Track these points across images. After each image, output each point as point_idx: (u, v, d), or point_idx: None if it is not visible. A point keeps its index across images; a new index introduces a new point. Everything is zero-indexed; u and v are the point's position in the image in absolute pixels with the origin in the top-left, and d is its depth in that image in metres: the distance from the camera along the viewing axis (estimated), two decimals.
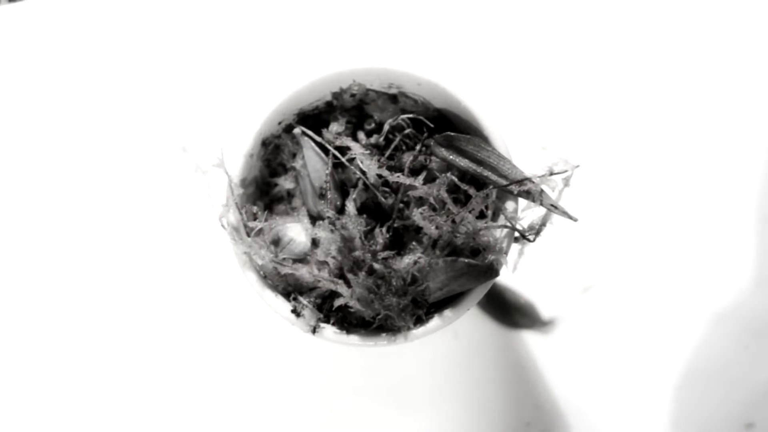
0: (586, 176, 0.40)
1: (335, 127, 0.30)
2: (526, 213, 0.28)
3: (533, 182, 0.27)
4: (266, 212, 0.30)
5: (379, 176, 0.28)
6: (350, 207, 0.28)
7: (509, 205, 0.28)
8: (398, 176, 0.28)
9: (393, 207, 0.29)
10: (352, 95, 0.31)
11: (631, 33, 0.43)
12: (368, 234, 0.28)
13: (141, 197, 0.41)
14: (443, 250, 0.27)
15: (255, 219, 0.29)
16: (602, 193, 0.41)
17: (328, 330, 0.28)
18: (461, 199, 0.29)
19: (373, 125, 0.31)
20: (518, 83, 0.42)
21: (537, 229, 0.27)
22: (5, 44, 0.43)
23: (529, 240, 0.27)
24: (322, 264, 0.28)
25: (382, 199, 0.29)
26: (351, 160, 0.29)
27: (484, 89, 0.42)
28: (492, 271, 0.27)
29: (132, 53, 0.43)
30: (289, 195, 0.31)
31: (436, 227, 0.27)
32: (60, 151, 0.42)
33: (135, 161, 0.42)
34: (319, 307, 0.28)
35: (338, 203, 0.29)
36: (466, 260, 0.26)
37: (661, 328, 0.39)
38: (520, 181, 0.27)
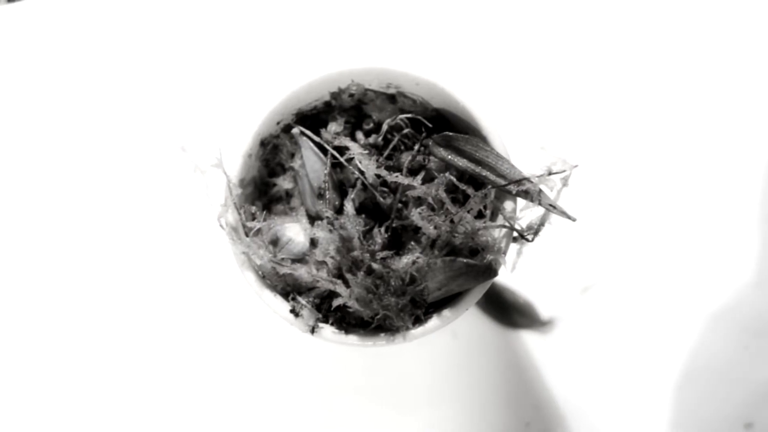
0: (585, 176, 0.40)
1: (334, 127, 0.30)
2: (525, 213, 0.28)
3: (532, 182, 0.27)
4: (265, 212, 0.30)
5: (378, 176, 0.28)
6: (349, 207, 0.28)
7: (508, 204, 0.28)
8: (397, 176, 0.28)
9: (391, 207, 0.29)
10: (351, 95, 0.31)
11: (631, 33, 0.43)
12: (367, 234, 0.28)
13: (140, 197, 0.41)
14: (442, 250, 0.27)
15: (253, 219, 0.29)
16: (601, 193, 0.41)
17: (327, 330, 0.28)
18: (460, 198, 0.29)
19: (371, 125, 0.31)
20: (517, 83, 0.42)
21: (535, 229, 0.27)
22: (5, 44, 0.43)
23: (527, 240, 0.27)
24: (321, 264, 0.28)
25: (381, 199, 0.29)
26: (349, 160, 0.29)
27: (483, 89, 0.42)
28: (490, 271, 0.27)
29: (132, 53, 0.43)
30: (288, 195, 0.31)
31: (435, 227, 0.27)
32: (60, 151, 0.42)
33: (134, 161, 0.42)
34: (317, 307, 0.28)
35: (337, 203, 0.29)
36: (465, 260, 0.26)
37: (660, 328, 0.39)
38: (519, 181, 0.27)
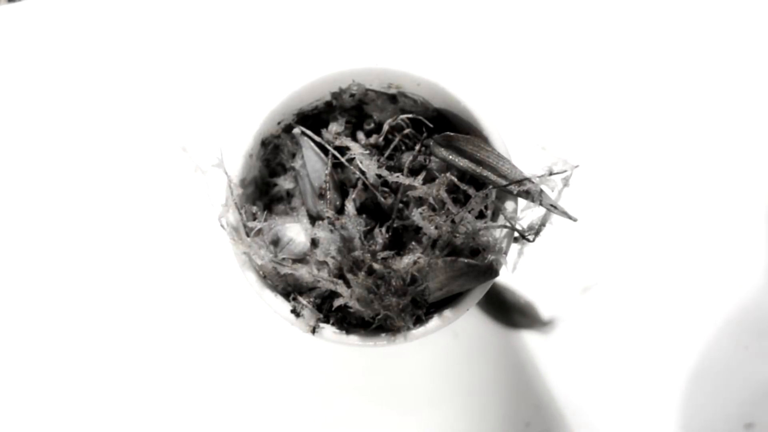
0: (586, 176, 0.40)
1: (334, 127, 0.30)
2: (526, 213, 0.28)
3: (533, 182, 0.27)
4: (266, 212, 0.30)
5: (379, 176, 0.28)
6: (350, 207, 0.28)
7: (509, 205, 0.28)
8: (398, 176, 0.28)
9: (392, 207, 0.29)
10: (352, 95, 0.31)
11: (631, 33, 0.43)
12: (368, 234, 0.28)
13: (141, 197, 0.41)
14: (443, 250, 0.27)
15: (254, 219, 0.29)
16: (602, 193, 0.41)
17: (328, 330, 0.28)
18: (461, 199, 0.29)
19: (372, 125, 0.31)
20: (518, 83, 0.42)
21: (536, 229, 0.27)
22: (5, 44, 0.43)
23: (528, 240, 0.27)
24: (322, 264, 0.28)
25: (382, 199, 0.29)
26: (350, 160, 0.29)
27: (484, 89, 0.42)
28: (491, 271, 0.27)
29: (132, 53, 0.43)
30: (289, 195, 0.31)
31: (436, 227, 0.27)
32: (60, 151, 0.42)
33: (135, 161, 0.42)
34: (318, 307, 0.28)
35: (338, 203, 0.29)
36: (466, 260, 0.26)
37: (660, 328, 0.39)
38: (520, 181, 0.27)
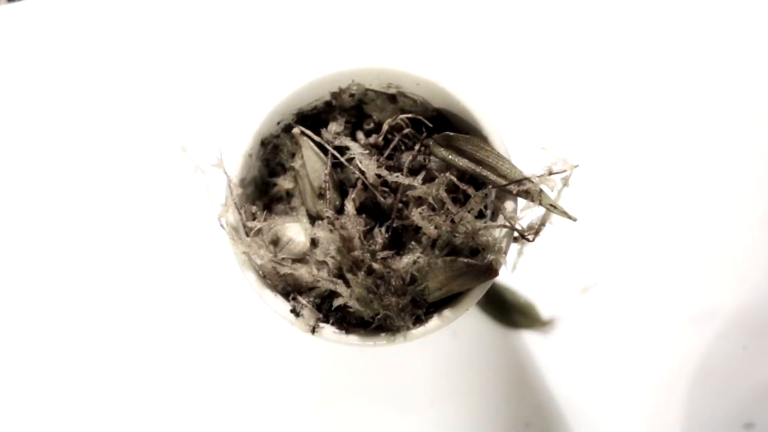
0: (586, 176, 0.40)
1: (334, 126, 0.30)
2: (526, 213, 0.28)
3: (532, 182, 0.27)
4: (265, 212, 0.30)
5: (378, 176, 0.28)
6: (349, 207, 0.28)
7: (508, 204, 0.28)
8: (397, 176, 0.28)
9: (392, 207, 0.29)
10: (351, 95, 0.30)
11: (631, 32, 0.43)
12: (367, 234, 0.28)
13: (140, 197, 0.41)
14: (442, 249, 0.27)
15: (254, 219, 0.29)
16: (602, 193, 0.41)
17: (328, 330, 0.28)
18: (460, 198, 0.29)
19: (372, 125, 0.31)
20: (518, 83, 0.42)
21: (536, 229, 0.27)
22: (5, 44, 0.43)
23: (528, 240, 0.27)
24: (322, 264, 0.28)
25: (381, 199, 0.29)
26: (350, 160, 0.29)
27: (484, 89, 0.42)
28: (491, 270, 0.27)
29: (132, 53, 0.43)
30: (288, 195, 0.31)
31: (435, 227, 0.27)
32: (60, 151, 0.42)
33: (134, 161, 0.42)
34: (318, 307, 0.28)
35: (337, 203, 0.29)
36: (466, 260, 0.26)
37: (660, 328, 0.39)
38: (520, 181, 0.27)
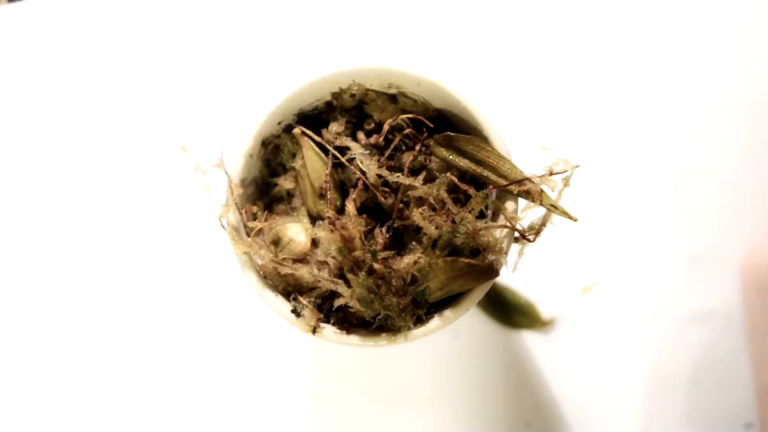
0: (586, 176, 0.40)
1: (335, 127, 0.30)
2: (526, 213, 0.28)
3: (533, 182, 0.27)
4: (266, 212, 0.30)
5: (379, 176, 0.28)
6: (350, 207, 0.28)
7: (509, 205, 0.28)
8: (398, 176, 0.28)
9: (393, 207, 0.29)
10: (352, 95, 0.30)
11: (631, 32, 0.43)
12: (368, 234, 0.28)
13: (141, 197, 0.41)
14: (443, 250, 0.27)
15: (255, 219, 0.29)
16: (602, 193, 0.41)
17: (328, 330, 0.28)
18: (461, 199, 0.29)
19: (372, 125, 0.31)
20: (518, 83, 0.42)
21: (537, 229, 0.27)
22: (5, 44, 0.43)
23: (529, 240, 0.27)
24: (322, 264, 0.28)
25: (382, 199, 0.29)
26: (351, 160, 0.29)
27: (484, 89, 0.42)
28: (492, 271, 0.27)
29: (132, 53, 0.43)
30: (289, 195, 0.31)
31: (436, 227, 0.27)
32: (60, 152, 0.42)
33: (135, 161, 0.42)
34: (319, 307, 0.28)
35: (338, 203, 0.29)
36: (466, 260, 0.26)
37: (660, 328, 0.39)
38: (520, 181, 0.27)
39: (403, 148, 0.30)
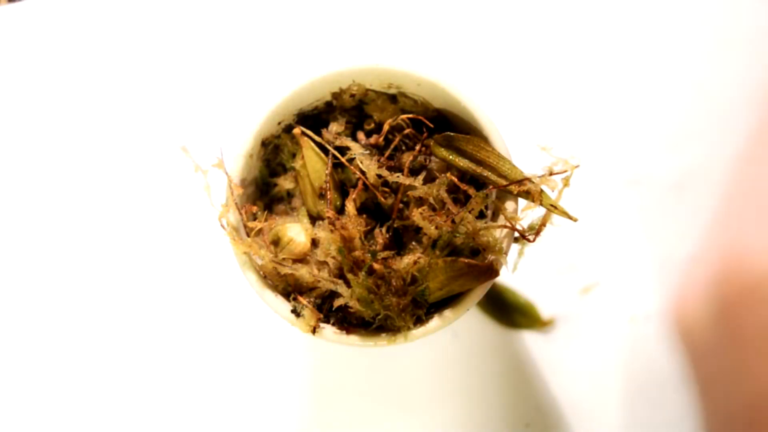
0: (586, 176, 0.40)
1: (335, 127, 0.30)
2: (526, 213, 0.28)
3: (533, 182, 0.27)
4: (266, 212, 0.30)
5: (379, 176, 0.28)
6: (350, 207, 0.28)
7: (509, 205, 0.28)
8: (398, 176, 0.28)
9: (393, 207, 0.29)
10: (352, 95, 0.31)
11: (631, 32, 0.43)
12: (368, 234, 0.28)
13: (141, 197, 0.41)
14: (443, 250, 0.27)
15: (255, 219, 0.29)
16: (602, 193, 0.41)
17: (328, 330, 0.28)
18: (461, 199, 0.29)
19: (372, 125, 0.31)
20: (518, 83, 0.42)
21: (537, 229, 0.27)
22: (5, 44, 0.43)
23: (529, 240, 0.27)
24: (322, 264, 0.28)
25: (382, 199, 0.29)
26: (351, 160, 0.29)
27: (484, 89, 0.42)
28: (492, 271, 0.27)
29: (132, 53, 0.43)
30: (289, 195, 0.31)
31: (436, 227, 0.27)
32: (60, 152, 0.42)
33: (135, 161, 0.42)
34: (319, 307, 0.28)
35: (338, 203, 0.29)
36: (466, 260, 0.26)
37: (660, 328, 0.39)
38: (520, 182, 0.27)
39: (403, 148, 0.30)
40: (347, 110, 0.31)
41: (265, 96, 0.30)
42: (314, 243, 0.28)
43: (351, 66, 0.29)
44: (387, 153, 0.29)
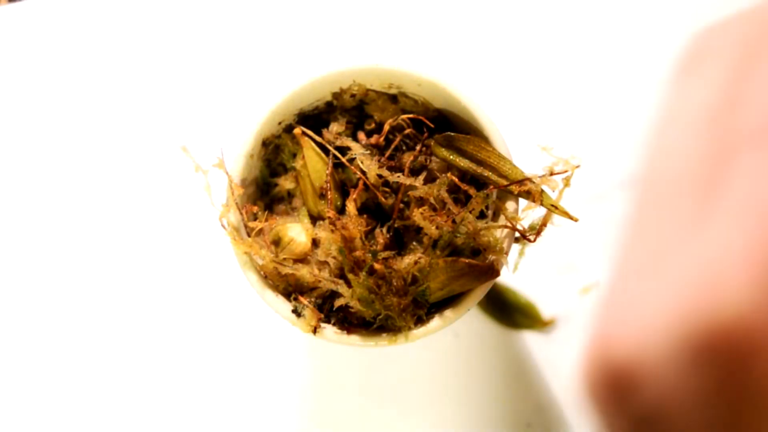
0: (586, 176, 0.40)
1: (335, 127, 0.30)
2: (527, 213, 0.28)
3: (533, 182, 0.27)
4: (266, 212, 0.30)
5: (380, 176, 0.28)
6: (350, 207, 0.28)
7: (509, 205, 0.28)
8: (398, 176, 0.28)
9: (393, 207, 0.29)
10: (352, 95, 0.31)
11: (632, 32, 0.43)
12: (368, 234, 0.28)
13: (141, 197, 0.41)
14: (444, 250, 0.27)
15: (255, 219, 0.29)
16: (602, 193, 0.41)
17: (329, 330, 0.28)
18: (461, 199, 0.29)
19: (373, 125, 0.31)
20: (518, 83, 0.42)
21: (537, 229, 0.27)
22: (5, 44, 0.43)
23: (529, 240, 0.27)
24: (323, 264, 0.28)
25: (383, 199, 0.29)
26: (351, 160, 0.29)
27: (484, 89, 0.42)
28: (492, 271, 0.27)
29: (132, 53, 0.43)
30: (290, 195, 0.31)
31: (437, 227, 0.27)
32: (60, 152, 0.42)
33: (135, 161, 0.42)
34: (319, 307, 0.28)
35: (338, 203, 0.29)
36: (467, 260, 0.26)
37: None
38: (521, 182, 0.27)
39: (404, 148, 0.30)
40: (348, 110, 0.31)
41: (266, 96, 0.30)
42: (315, 243, 0.28)
43: (351, 66, 0.29)
44: (387, 153, 0.29)
